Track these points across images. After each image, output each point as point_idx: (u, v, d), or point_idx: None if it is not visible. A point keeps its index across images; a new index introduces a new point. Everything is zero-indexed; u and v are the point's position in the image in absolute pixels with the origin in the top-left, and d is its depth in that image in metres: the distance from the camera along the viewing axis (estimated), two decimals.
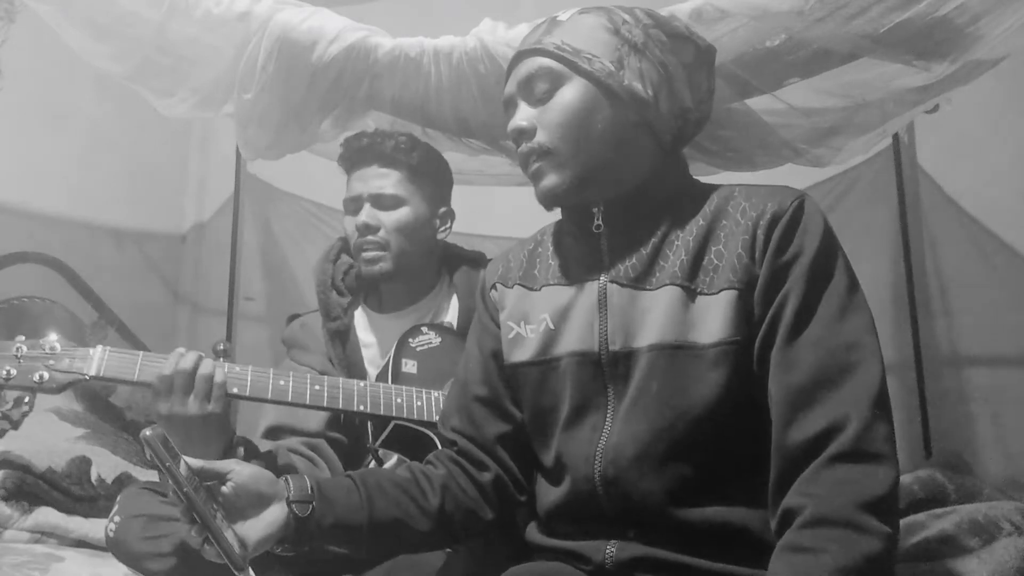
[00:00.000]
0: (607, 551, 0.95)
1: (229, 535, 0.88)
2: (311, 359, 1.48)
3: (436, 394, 1.32)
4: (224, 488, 0.92)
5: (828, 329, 0.89)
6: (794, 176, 2.04)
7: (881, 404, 0.86)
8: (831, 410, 0.85)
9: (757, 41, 1.33)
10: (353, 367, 1.48)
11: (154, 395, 1.15)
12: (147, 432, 0.84)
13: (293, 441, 1.38)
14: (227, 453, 1.18)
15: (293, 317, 1.59)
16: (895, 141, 2.31)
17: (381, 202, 1.48)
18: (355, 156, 1.51)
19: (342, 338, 1.49)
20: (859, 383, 0.86)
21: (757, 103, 1.40)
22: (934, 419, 2.22)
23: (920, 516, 1.46)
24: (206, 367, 1.16)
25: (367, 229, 1.46)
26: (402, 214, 1.48)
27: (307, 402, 1.22)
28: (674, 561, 0.92)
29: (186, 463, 0.88)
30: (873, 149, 2.05)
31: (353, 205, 1.50)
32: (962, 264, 2.25)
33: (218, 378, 1.16)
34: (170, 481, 0.85)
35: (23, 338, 1.14)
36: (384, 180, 1.48)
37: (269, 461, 1.25)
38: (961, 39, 1.26)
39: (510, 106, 1.05)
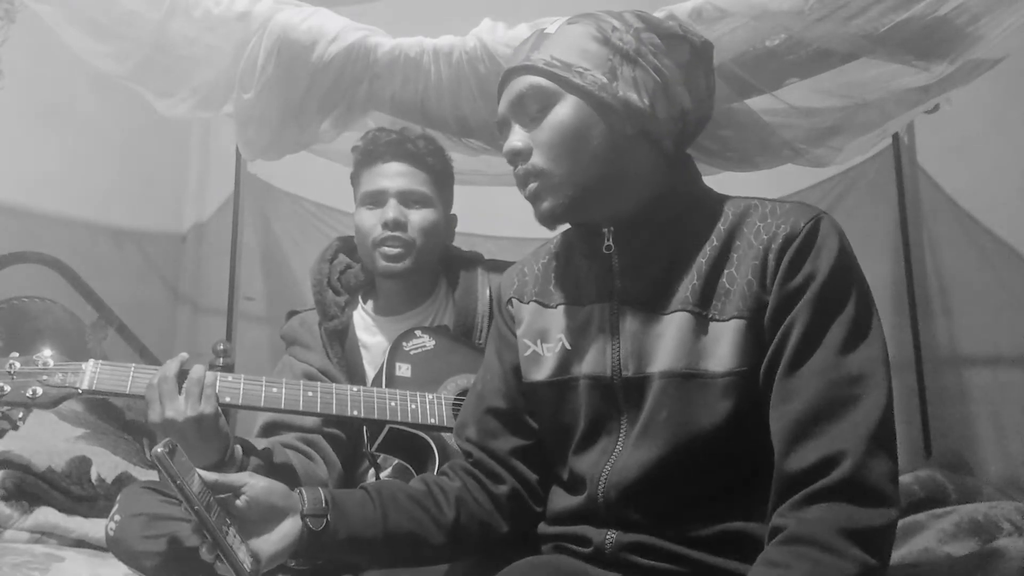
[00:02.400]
0: (607, 536, 0.96)
1: (242, 551, 0.87)
2: (311, 356, 1.48)
3: (431, 397, 1.32)
4: (238, 501, 0.91)
5: (832, 359, 0.87)
6: (794, 176, 2.06)
7: (882, 440, 0.84)
8: (827, 444, 0.84)
9: (757, 41, 1.32)
10: (352, 367, 1.48)
11: (147, 405, 1.16)
12: (158, 449, 0.83)
13: (289, 437, 1.38)
14: (225, 454, 1.18)
15: (292, 313, 1.59)
16: (895, 141, 2.31)
17: (410, 199, 1.46)
18: (380, 150, 1.48)
19: (340, 338, 1.49)
20: (859, 417, 0.84)
21: (757, 103, 1.40)
22: (934, 419, 2.22)
23: (920, 516, 1.46)
24: (193, 370, 1.16)
25: (396, 225, 1.44)
26: (428, 214, 1.47)
27: (300, 408, 1.23)
28: (673, 551, 0.93)
29: (199, 476, 0.87)
30: (873, 149, 2.05)
31: (375, 198, 1.47)
32: (962, 264, 2.26)
33: (207, 379, 1.16)
34: (181, 498, 0.84)
35: (17, 355, 1.15)
36: (412, 178, 1.47)
37: (265, 458, 1.25)
38: (961, 39, 1.26)
39: (504, 127, 1.03)
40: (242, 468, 1.20)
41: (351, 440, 1.44)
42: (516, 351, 1.11)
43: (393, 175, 1.47)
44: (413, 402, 1.30)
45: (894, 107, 1.45)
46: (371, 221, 1.46)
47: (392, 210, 1.45)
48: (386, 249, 1.45)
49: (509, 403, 1.10)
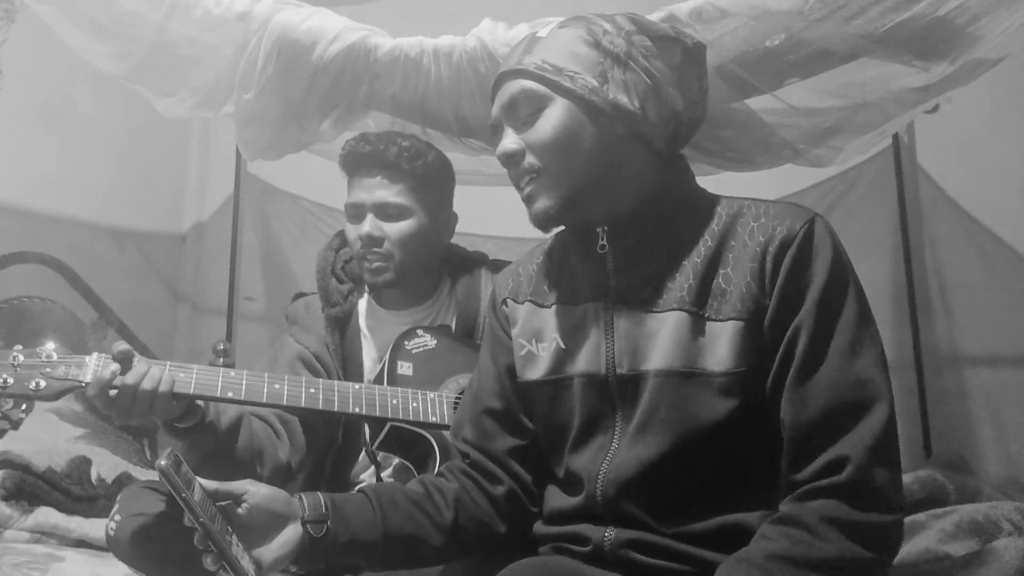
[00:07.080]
0: (606, 534, 0.97)
1: (245, 560, 0.88)
2: (308, 339, 1.48)
3: (432, 395, 1.32)
4: (239, 509, 0.92)
5: (840, 366, 0.89)
6: (794, 176, 2.06)
7: (885, 446, 0.87)
8: (833, 451, 0.86)
9: (757, 41, 1.32)
10: (350, 356, 1.48)
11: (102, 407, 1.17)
12: (162, 462, 0.83)
13: (267, 410, 1.35)
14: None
15: (299, 295, 1.59)
16: (895, 141, 2.31)
17: (385, 212, 1.45)
18: (357, 161, 1.48)
19: (341, 325, 1.49)
20: (865, 425, 0.87)
21: (757, 103, 1.40)
22: (934, 419, 2.22)
23: (920, 516, 1.46)
24: (131, 375, 1.13)
25: (371, 241, 1.44)
26: (406, 225, 1.45)
27: (302, 405, 1.23)
28: (672, 548, 0.93)
29: (200, 485, 0.88)
30: (873, 149, 2.05)
31: (355, 212, 1.47)
32: (962, 264, 2.26)
33: (162, 387, 1.14)
34: (185, 511, 0.85)
35: (20, 347, 1.15)
36: (388, 190, 1.44)
37: (224, 420, 1.26)
38: (961, 39, 1.26)
39: (497, 130, 1.05)
40: (203, 419, 1.22)
41: (349, 437, 1.44)
42: (511, 352, 1.11)
43: (369, 188, 1.45)
44: (415, 400, 1.30)
45: (894, 107, 1.45)
46: (353, 235, 1.47)
47: (368, 225, 1.44)
48: (366, 264, 1.46)
49: (504, 404, 1.11)
